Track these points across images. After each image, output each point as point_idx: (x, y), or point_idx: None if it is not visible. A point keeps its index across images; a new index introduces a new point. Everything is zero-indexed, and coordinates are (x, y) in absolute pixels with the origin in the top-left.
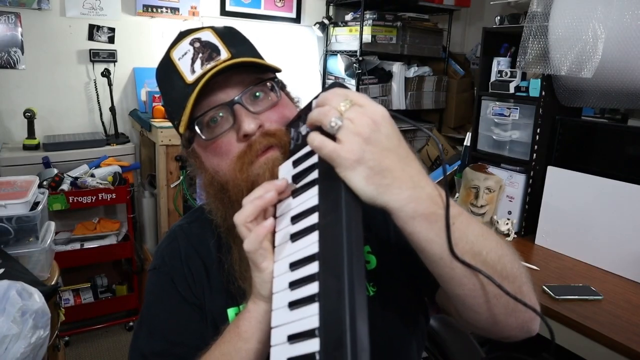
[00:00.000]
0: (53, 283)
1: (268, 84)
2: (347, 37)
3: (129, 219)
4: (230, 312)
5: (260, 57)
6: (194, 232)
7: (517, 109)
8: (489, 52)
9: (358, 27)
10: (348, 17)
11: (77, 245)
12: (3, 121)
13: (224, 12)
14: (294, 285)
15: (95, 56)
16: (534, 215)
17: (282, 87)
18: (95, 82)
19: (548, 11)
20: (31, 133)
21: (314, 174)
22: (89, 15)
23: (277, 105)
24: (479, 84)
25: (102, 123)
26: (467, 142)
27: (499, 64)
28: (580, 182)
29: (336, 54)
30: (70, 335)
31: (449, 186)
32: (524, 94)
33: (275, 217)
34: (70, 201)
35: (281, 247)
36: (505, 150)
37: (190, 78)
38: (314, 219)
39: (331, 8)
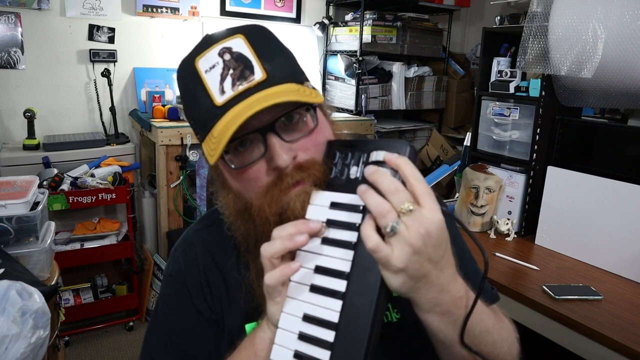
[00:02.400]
0: (53, 283)
1: (305, 106)
2: (347, 37)
3: (129, 219)
4: (248, 327)
5: (297, 68)
6: (211, 239)
7: (517, 109)
8: (489, 52)
9: (358, 27)
10: (348, 17)
11: (77, 245)
12: (3, 121)
13: (224, 12)
14: (304, 339)
15: (95, 56)
16: (534, 215)
17: (319, 105)
18: (95, 82)
19: (548, 11)
20: (31, 133)
21: (353, 236)
22: (89, 15)
23: (313, 131)
24: (479, 84)
25: (102, 123)
26: (467, 142)
27: (499, 64)
28: (580, 182)
29: (336, 54)
30: (70, 335)
31: (449, 187)
32: (524, 94)
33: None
34: (70, 201)
35: (298, 287)
36: (505, 150)
37: (219, 100)
38: (340, 285)
39: (331, 8)
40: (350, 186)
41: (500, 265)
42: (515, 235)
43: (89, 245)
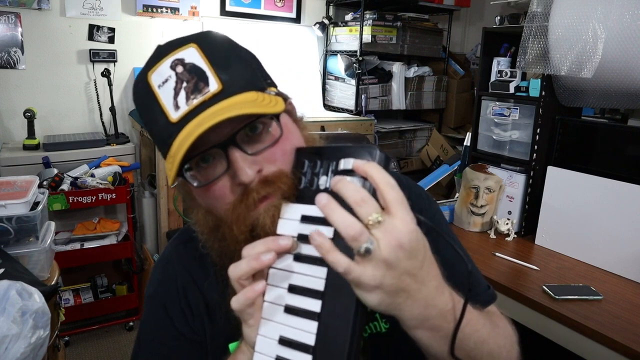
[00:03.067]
0: (53, 283)
1: (268, 115)
2: (347, 37)
3: (129, 219)
4: (232, 346)
5: (257, 74)
6: (190, 256)
7: (517, 109)
8: (489, 52)
9: (358, 27)
10: (348, 17)
11: (77, 245)
12: (3, 121)
13: (224, 12)
14: None
15: (95, 56)
16: (534, 215)
17: (285, 109)
18: (95, 82)
19: (548, 11)
20: (31, 133)
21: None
22: (89, 15)
23: (279, 140)
24: (479, 84)
25: (102, 123)
26: (467, 142)
27: (499, 64)
28: (580, 182)
29: (336, 54)
30: (70, 335)
31: (449, 187)
32: (524, 94)
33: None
34: (70, 201)
35: (273, 308)
36: (505, 150)
37: (173, 116)
38: (315, 305)
39: (331, 8)
40: None
41: (500, 265)
42: (515, 235)
43: (89, 245)
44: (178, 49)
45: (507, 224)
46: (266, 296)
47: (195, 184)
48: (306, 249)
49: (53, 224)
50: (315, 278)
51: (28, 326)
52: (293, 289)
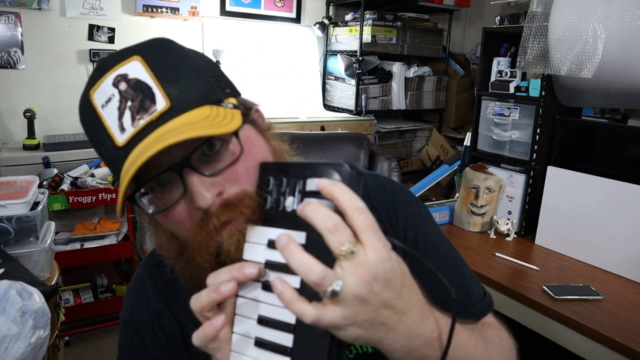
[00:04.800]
0: (53, 283)
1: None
2: (347, 37)
3: (129, 219)
4: None
5: (212, 85)
6: (162, 279)
7: (517, 109)
8: (489, 52)
9: (358, 27)
10: (348, 17)
11: (77, 245)
12: (3, 121)
13: (224, 12)
14: None
15: (95, 56)
16: (534, 215)
17: (246, 116)
18: None
19: (548, 11)
20: (31, 133)
21: (296, 281)
22: (89, 15)
23: (239, 158)
24: (479, 84)
25: None
26: (467, 142)
27: (499, 64)
28: (580, 182)
29: (336, 54)
30: (70, 335)
31: (449, 187)
32: (524, 94)
33: (237, 295)
34: (70, 201)
35: (243, 341)
36: (505, 150)
37: (119, 139)
38: (286, 339)
39: (331, 8)
40: (287, 220)
41: (500, 265)
42: (515, 235)
43: (89, 245)
44: (121, 63)
45: (507, 224)
46: (235, 328)
47: (150, 211)
48: (274, 277)
49: (53, 224)
50: (285, 309)
51: (28, 326)
52: (262, 321)
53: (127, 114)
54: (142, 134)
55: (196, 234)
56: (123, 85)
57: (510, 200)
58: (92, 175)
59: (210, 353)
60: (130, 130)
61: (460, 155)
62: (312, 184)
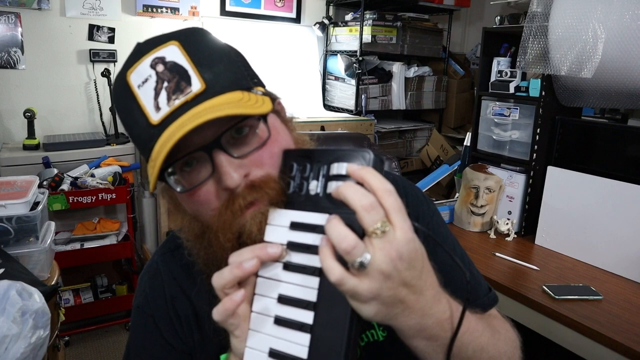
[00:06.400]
0: (53, 283)
1: (255, 116)
2: (347, 37)
3: (129, 219)
4: (223, 357)
5: (243, 73)
6: (177, 264)
7: (517, 109)
8: (489, 52)
9: (358, 27)
10: (348, 17)
11: (77, 245)
12: (3, 121)
13: (224, 12)
14: None
15: (95, 56)
16: (534, 215)
17: (274, 109)
18: (95, 82)
19: (548, 11)
20: (31, 133)
21: (317, 261)
22: (89, 15)
23: (266, 142)
24: (479, 84)
25: (102, 123)
26: (467, 142)
27: (499, 64)
28: (580, 182)
29: (336, 54)
30: (70, 335)
31: (449, 187)
32: (524, 94)
33: (258, 274)
34: (70, 201)
35: (262, 319)
36: (505, 150)
37: (154, 117)
38: (307, 317)
39: (331, 8)
40: (310, 203)
41: (500, 265)
42: (515, 235)
43: (89, 245)
44: (158, 47)
45: (507, 224)
46: (254, 306)
47: (178, 189)
48: (296, 258)
49: (53, 224)
50: (307, 288)
51: (28, 326)
52: (283, 300)
53: (163, 94)
54: (177, 113)
55: (221, 213)
56: (160, 67)
57: (510, 200)
58: (92, 175)
59: (229, 329)
60: (165, 109)
61: (460, 155)
62: (339, 168)
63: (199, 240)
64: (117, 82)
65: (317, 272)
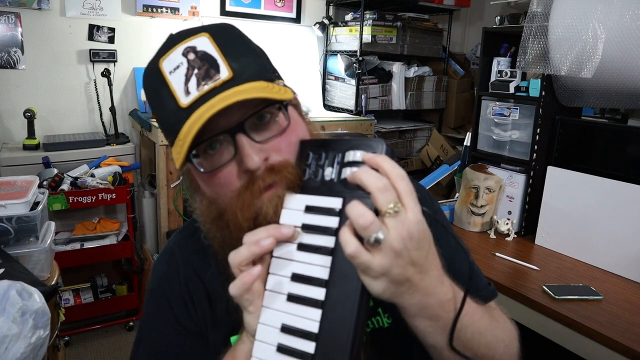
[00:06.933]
0: (53, 283)
1: (276, 105)
2: (347, 37)
3: (129, 219)
4: (234, 339)
5: (267, 66)
6: (192, 249)
7: (517, 109)
8: (489, 52)
9: (358, 27)
10: (348, 17)
11: (77, 245)
12: (3, 121)
13: (224, 12)
14: (283, 351)
15: (95, 56)
16: (534, 215)
17: (292, 102)
18: (95, 82)
19: (548, 11)
20: (31, 133)
21: (330, 241)
22: (89, 15)
23: (286, 130)
24: (479, 84)
25: (102, 123)
26: (467, 142)
27: (499, 64)
28: (580, 182)
29: (336, 54)
30: (70, 335)
31: (449, 187)
32: (524, 94)
33: (272, 255)
34: (70, 201)
35: (274, 296)
36: (505, 150)
37: (184, 101)
38: (319, 293)
39: (331, 8)
40: (325, 188)
41: (500, 265)
42: (515, 235)
43: (89, 245)
44: (190, 37)
45: (507, 224)
46: (268, 284)
47: (202, 170)
48: (309, 239)
49: (53, 224)
50: (320, 267)
51: (28, 326)
52: (296, 278)
53: (193, 80)
54: (205, 97)
55: (241, 193)
56: (191, 56)
57: (510, 200)
58: (92, 175)
59: (243, 305)
60: (194, 94)
61: (460, 155)
62: (354, 155)
63: (216, 222)
64: (149, 69)
65: (330, 251)
